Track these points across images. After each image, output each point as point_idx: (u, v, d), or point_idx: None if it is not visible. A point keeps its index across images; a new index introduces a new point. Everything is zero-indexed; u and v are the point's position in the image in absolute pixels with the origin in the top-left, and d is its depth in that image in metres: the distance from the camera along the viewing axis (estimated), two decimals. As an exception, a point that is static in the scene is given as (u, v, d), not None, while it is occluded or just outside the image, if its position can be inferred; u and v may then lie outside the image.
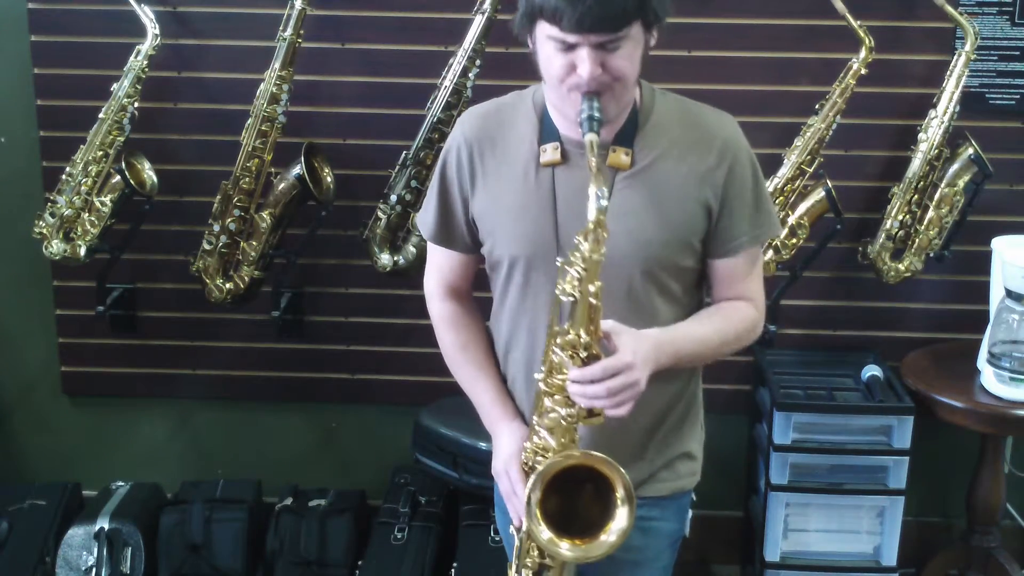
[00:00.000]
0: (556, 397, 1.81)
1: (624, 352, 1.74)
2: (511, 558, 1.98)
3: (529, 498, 1.79)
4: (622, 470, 1.77)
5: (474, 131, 1.96)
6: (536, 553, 1.91)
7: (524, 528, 1.85)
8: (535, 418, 1.86)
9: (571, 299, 1.74)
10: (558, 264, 1.77)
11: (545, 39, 1.78)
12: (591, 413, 1.79)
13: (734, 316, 1.97)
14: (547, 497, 1.80)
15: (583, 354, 1.75)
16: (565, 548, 1.81)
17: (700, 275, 1.99)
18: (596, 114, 1.76)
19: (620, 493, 1.78)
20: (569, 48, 1.76)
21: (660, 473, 2.03)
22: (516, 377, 2.02)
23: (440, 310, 2.08)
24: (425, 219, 2.04)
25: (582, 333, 1.74)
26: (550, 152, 1.89)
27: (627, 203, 1.86)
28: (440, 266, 2.08)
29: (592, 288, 1.72)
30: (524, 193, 1.91)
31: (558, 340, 1.77)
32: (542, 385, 1.83)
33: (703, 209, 1.90)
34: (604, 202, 1.69)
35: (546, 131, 1.90)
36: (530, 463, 1.88)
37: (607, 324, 1.76)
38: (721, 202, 1.90)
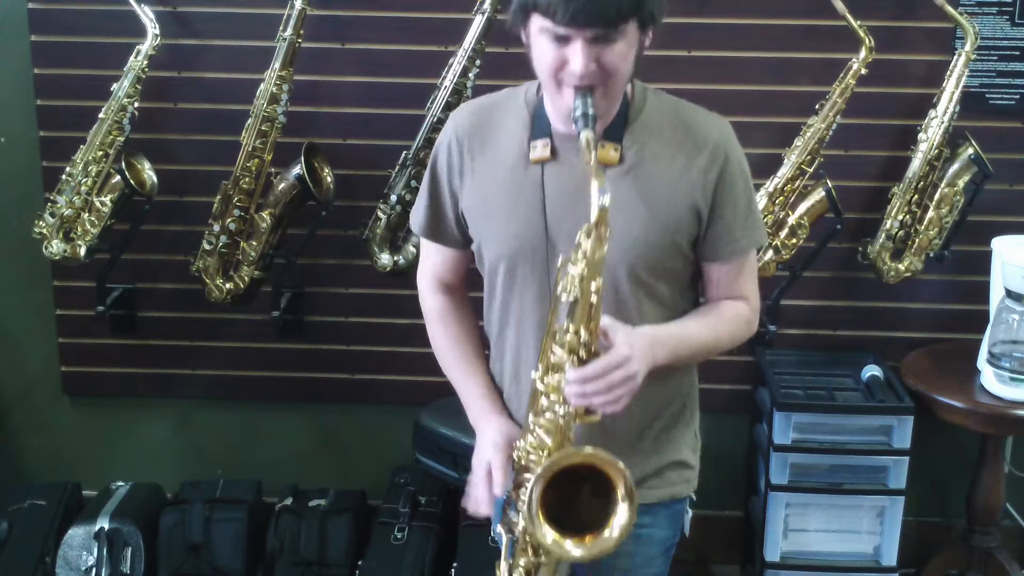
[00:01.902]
0: (552, 396, 1.80)
1: (621, 346, 1.73)
2: (506, 553, 1.96)
3: (531, 499, 1.77)
4: (622, 465, 1.76)
5: (465, 127, 1.96)
6: (531, 552, 1.90)
7: (523, 530, 1.84)
8: (531, 416, 1.85)
9: (572, 298, 1.73)
10: (559, 263, 1.76)
11: (538, 32, 1.76)
12: (587, 411, 1.78)
13: (728, 315, 1.96)
14: (545, 496, 1.79)
15: (582, 353, 1.74)
16: (570, 547, 1.80)
17: (691, 278, 1.98)
18: (591, 111, 1.74)
19: (621, 491, 1.77)
20: (562, 42, 1.74)
21: (651, 480, 2.01)
22: (505, 373, 2.02)
23: (431, 304, 2.10)
24: (416, 214, 2.05)
25: (582, 331, 1.73)
26: (540, 148, 1.88)
27: (616, 201, 1.81)
28: (432, 261, 2.09)
29: (593, 286, 1.71)
30: (513, 189, 1.90)
31: (557, 339, 1.77)
32: (539, 384, 1.82)
33: (692, 212, 1.88)
34: (607, 200, 1.67)
35: (537, 128, 1.89)
36: (523, 461, 1.88)
37: (603, 321, 1.75)
38: (711, 207, 1.88)
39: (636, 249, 1.86)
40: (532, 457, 1.86)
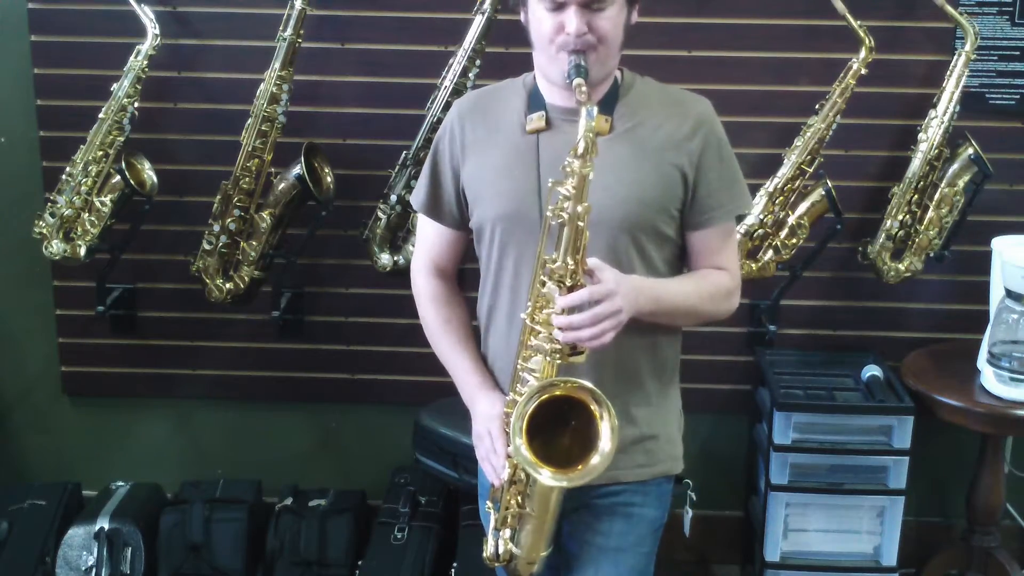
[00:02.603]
0: (541, 334, 1.88)
1: (608, 282, 1.83)
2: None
3: (522, 413, 1.85)
4: (607, 400, 1.84)
5: (468, 109, 2.09)
6: (515, 503, 1.95)
7: (510, 449, 1.89)
8: (519, 362, 1.93)
9: (560, 220, 1.81)
10: (549, 184, 1.84)
11: (536, 2, 1.92)
12: (574, 351, 1.86)
13: (711, 279, 2.04)
14: (531, 434, 1.86)
15: (568, 282, 1.83)
16: (546, 475, 1.86)
17: (679, 250, 2.06)
18: (582, 63, 1.88)
19: (606, 421, 1.84)
20: (558, 8, 1.89)
21: (638, 457, 2.05)
22: (498, 346, 2.07)
23: (424, 286, 2.16)
24: (417, 192, 2.15)
25: (569, 261, 1.83)
26: (535, 120, 2.00)
27: (607, 164, 1.91)
28: (428, 242, 2.16)
29: (580, 209, 1.81)
30: (510, 155, 2.01)
31: (546, 268, 1.85)
32: (527, 320, 1.90)
33: (679, 173, 1.98)
34: (593, 119, 1.79)
35: (533, 103, 2.02)
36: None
37: (591, 261, 1.84)
38: (696, 171, 1.99)
39: (630, 205, 1.96)
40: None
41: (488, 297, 2.08)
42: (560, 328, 1.83)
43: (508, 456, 1.93)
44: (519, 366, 1.93)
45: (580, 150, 1.80)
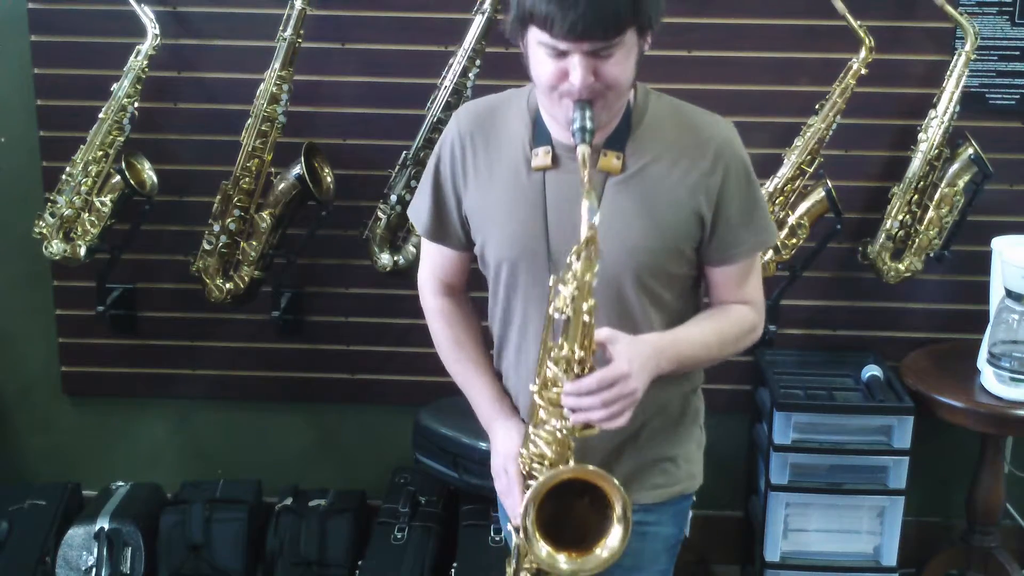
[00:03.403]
0: (551, 409, 1.80)
1: (620, 362, 1.72)
2: (512, 555, 1.98)
3: (525, 517, 1.78)
4: (617, 483, 1.76)
5: (468, 127, 1.95)
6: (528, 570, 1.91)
7: (521, 541, 1.84)
8: (531, 428, 1.86)
9: (564, 316, 1.71)
10: (550, 284, 1.74)
11: (536, 45, 1.74)
12: (586, 425, 1.77)
13: (733, 319, 1.95)
14: (544, 505, 1.79)
15: (577, 369, 1.73)
16: (562, 561, 1.80)
17: (694, 281, 1.97)
18: (588, 124, 1.72)
19: (618, 511, 1.77)
20: (561, 55, 1.72)
21: (655, 478, 2.01)
22: (508, 374, 2.02)
23: (433, 305, 2.09)
24: (419, 215, 2.02)
25: (576, 348, 1.72)
26: (541, 156, 1.87)
27: (617, 208, 1.83)
28: (434, 262, 2.07)
29: (585, 307, 1.70)
30: (515, 195, 1.89)
31: (552, 355, 1.76)
32: (537, 398, 1.81)
33: (695, 217, 1.86)
34: (596, 219, 1.66)
35: (539, 134, 1.88)
36: (527, 468, 1.88)
37: (602, 333, 1.74)
38: (715, 211, 1.86)
39: (638, 256, 1.85)
40: (535, 465, 1.86)
41: (498, 326, 2.01)
42: (571, 409, 1.74)
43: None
44: (531, 432, 1.86)
45: (582, 256, 1.67)
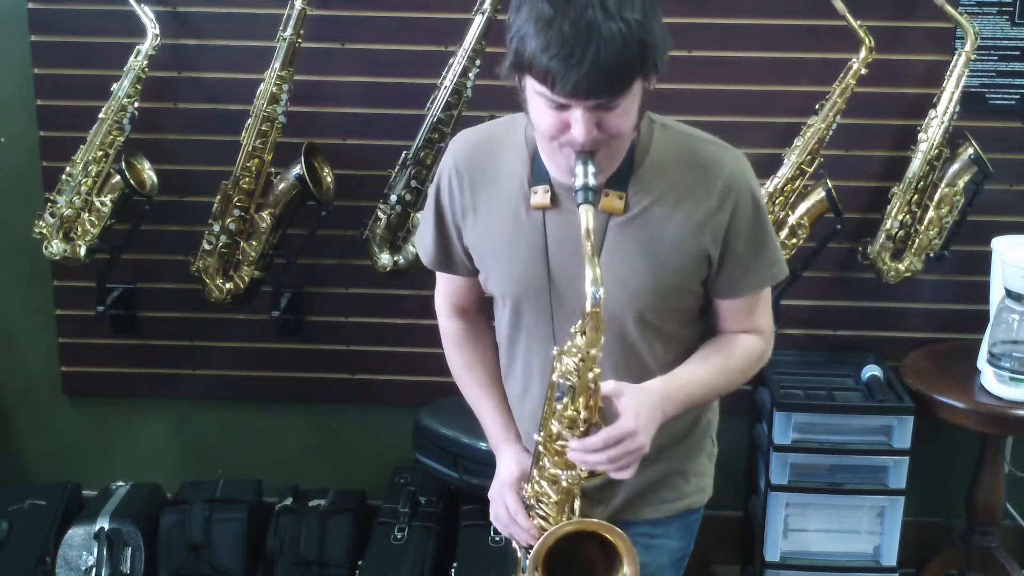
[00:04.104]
0: (556, 458, 1.78)
1: (626, 418, 1.69)
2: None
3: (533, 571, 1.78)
4: (624, 535, 1.76)
5: (465, 160, 1.88)
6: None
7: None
8: (535, 471, 1.85)
9: (570, 384, 1.70)
10: (553, 353, 1.72)
11: (535, 94, 1.64)
12: (592, 474, 1.77)
13: (739, 352, 1.90)
14: (551, 550, 1.79)
15: (583, 427, 1.71)
16: None
17: (701, 310, 1.92)
18: (591, 181, 1.64)
19: (627, 570, 1.77)
20: (561, 107, 1.62)
21: (664, 493, 1.99)
22: (512, 401, 2.02)
23: (447, 328, 2.08)
24: (424, 246, 1.99)
25: (581, 409, 1.71)
26: (540, 195, 1.79)
27: (620, 250, 1.78)
28: (446, 287, 2.06)
29: (591, 375, 1.68)
30: (514, 233, 1.84)
31: (556, 415, 1.74)
32: (541, 448, 1.80)
33: (701, 256, 1.80)
34: (600, 295, 1.62)
35: (537, 172, 1.81)
36: (530, 500, 1.88)
37: (608, 387, 1.71)
38: (722, 248, 1.80)
39: (641, 298, 1.81)
40: (538, 501, 1.86)
41: (504, 353, 1.99)
42: (576, 462, 1.73)
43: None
44: (535, 474, 1.84)
45: (587, 315, 1.63)
